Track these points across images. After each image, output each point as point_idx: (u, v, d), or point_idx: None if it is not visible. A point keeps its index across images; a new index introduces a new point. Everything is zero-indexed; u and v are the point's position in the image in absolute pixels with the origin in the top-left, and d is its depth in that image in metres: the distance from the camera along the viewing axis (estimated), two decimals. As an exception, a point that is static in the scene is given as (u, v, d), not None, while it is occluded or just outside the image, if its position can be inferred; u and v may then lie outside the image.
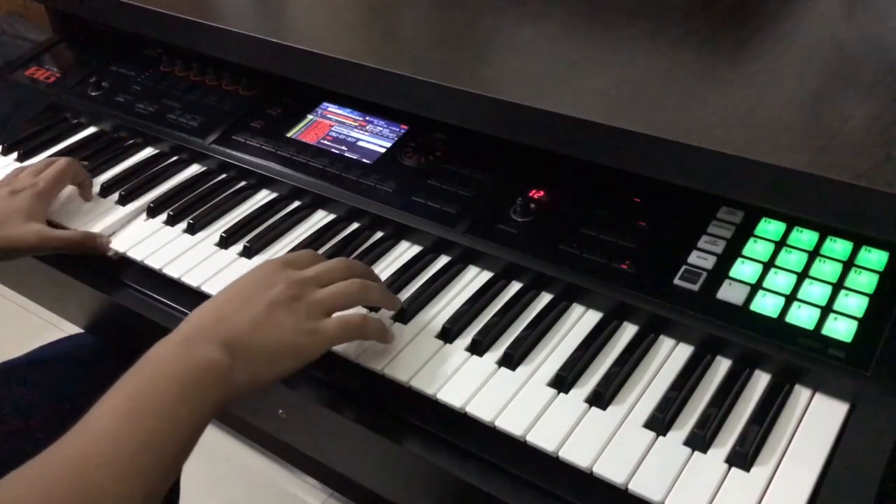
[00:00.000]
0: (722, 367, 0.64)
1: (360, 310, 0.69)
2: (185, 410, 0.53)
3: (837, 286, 0.65)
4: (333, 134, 0.91)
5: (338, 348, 0.67)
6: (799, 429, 0.59)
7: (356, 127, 0.91)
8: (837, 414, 0.59)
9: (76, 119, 1.05)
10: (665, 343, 0.67)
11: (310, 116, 0.94)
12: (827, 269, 0.67)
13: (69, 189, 0.89)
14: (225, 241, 0.81)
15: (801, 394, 0.61)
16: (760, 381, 0.63)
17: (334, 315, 0.63)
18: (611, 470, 0.57)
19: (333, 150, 0.89)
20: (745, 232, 0.71)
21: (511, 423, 0.60)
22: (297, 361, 0.60)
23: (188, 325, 0.58)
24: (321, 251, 0.79)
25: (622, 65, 0.78)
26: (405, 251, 0.79)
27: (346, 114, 0.93)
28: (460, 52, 0.83)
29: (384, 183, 0.83)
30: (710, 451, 0.58)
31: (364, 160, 0.87)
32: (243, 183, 0.91)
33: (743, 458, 0.56)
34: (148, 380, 0.54)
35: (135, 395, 0.53)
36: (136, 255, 0.81)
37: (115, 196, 0.90)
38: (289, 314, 0.60)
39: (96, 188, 0.91)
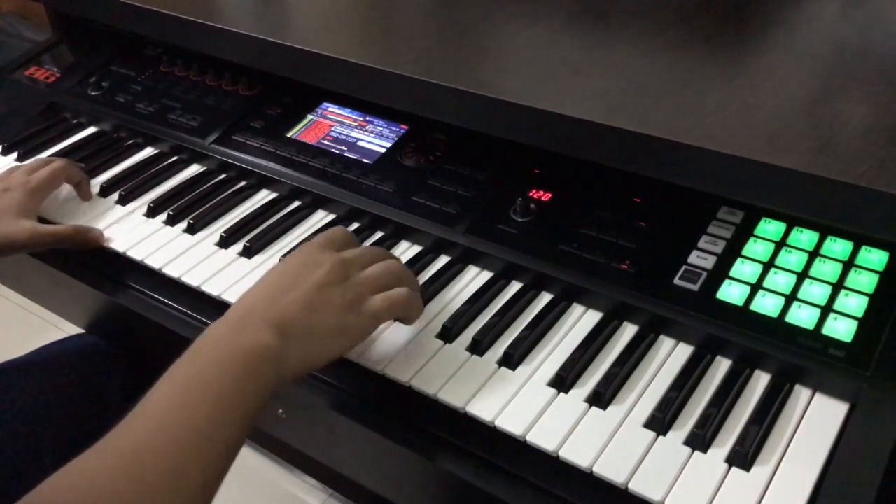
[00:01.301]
0: (722, 367, 0.64)
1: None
2: (239, 395, 0.53)
3: (837, 286, 0.65)
4: (333, 134, 0.91)
5: (338, 348, 0.68)
6: (799, 429, 0.59)
7: (356, 127, 0.91)
8: (837, 414, 0.59)
9: (76, 119, 1.05)
10: (665, 343, 0.67)
11: (310, 116, 0.94)
12: (827, 269, 0.67)
13: (68, 189, 0.89)
14: (225, 241, 0.81)
15: (801, 394, 0.61)
16: (760, 381, 0.63)
17: (378, 295, 0.63)
18: (611, 470, 0.57)
19: (333, 150, 0.89)
20: (745, 232, 0.71)
21: (511, 423, 0.60)
22: (348, 340, 0.61)
23: (238, 308, 0.58)
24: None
25: (622, 65, 0.78)
26: (405, 251, 0.79)
27: (346, 114, 0.93)
28: (460, 52, 0.83)
29: (384, 183, 0.83)
30: (710, 451, 0.58)
31: (364, 160, 0.87)
32: (243, 183, 0.91)
33: (743, 458, 0.56)
34: (201, 366, 0.53)
35: (189, 382, 0.52)
36: (136, 254, 0.81)
37: (115, 196, 0.90)
38: (337, 294, 0.60)
39: (96, 188, 0.91)
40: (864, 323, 0.62)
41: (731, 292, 0.66)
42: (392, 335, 0.69)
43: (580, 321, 0.70)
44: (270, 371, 0.55)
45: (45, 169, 0.85)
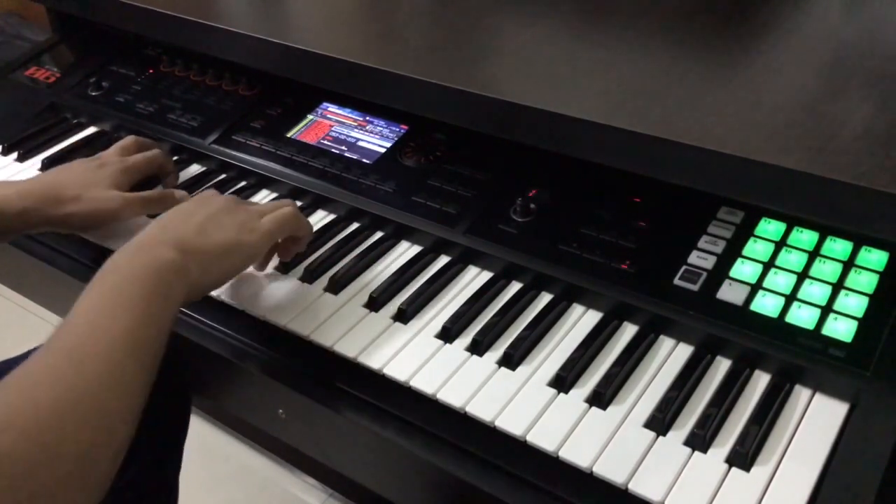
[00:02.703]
0: (722, 367, 0.64)
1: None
2: (154, 304, 0.58)
3: (837, 286, 0.65)
4: (333, 134, 0.91)
5: (337, 346, 0.68)
6: (799, 429, 0.59)
7: (356, 127, 0.91)
8: (837, 414, 0.59)
9: (76, 119, 1.05)
10: (665, 343, 0.67)
11: (310, 116, 0.94)
12: (827, 269, 0.67)
13: None
14: (225, 241, 0.81)
15: (801, 394, 0.61)
16: (760, 381, 0.63)
17: (266, 216, 0.71)
18: (611, 470, 0.57)
19: (333, 150, 0.89)
20: (745, 232, 0.71)
21: (511, 423, 0.60)
22: (243, 256, 0.69)
23: (139, 237, 0.64)
24: (321, 251, 0.79)
25: (622, 65, 0.78)
26: (405, 251, 0.79)
27: (346, 114, 0.93)
28: (460, 52, 0.83)
29: (384, 183, 0.83)
30: (710, 451, 0.58)
31: (364, 160, 0.87)
32: (243, 183, 0.91)
33: (743, 458, 0.56)
34: (115, 283, 0.59)
35: (107, 295, 0.57)
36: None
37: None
38: (228, 218, 0.68)
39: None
40: (864, 323, 0.62)
41: (731, 292, 0.66)
42: (391, 334, 0.69)
43: (580, 321, 0.70)
44: (177, 283, 0.61)
45: (144, 154, 0.88)
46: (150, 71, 1.06)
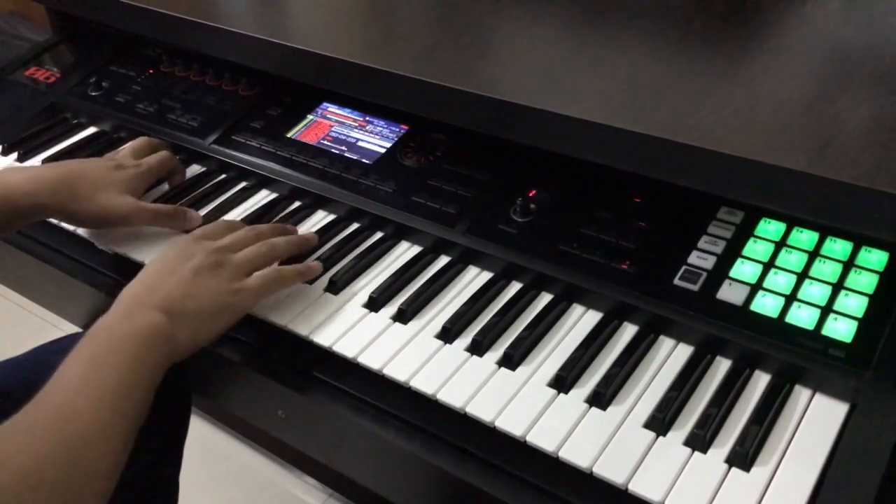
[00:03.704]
0: (722, 367, 0.64)
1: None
2: (140, 367, 0.60)
3: (837, 286, 0.65)
4: (333, 134, 0.91)
5: (337, 346, 0.68)
6: (799, 429, 0.59)
7: (356, 127, 0.91)
8: (837, 414, 0.59)
9: (76, 119, 1.05)
10: (665, 343, 0.67)
11: (310, 116, 0.94)
12: (827, 270, 0.67)
13: None
14: (225, 241, 0.81)
15: (801, 394, 0.61)
16: (760, 381, 0.63)
17: (254, 274, 0.70)
18: (611, 470, 0.57)
19: (333, 150, 0.89)
20: (745, 232, 0.71)
21: (511, 423, 0.60)
22: (230, 318, 0.68)
23: (124, 300, 0.65)
24: (321, 251, 0.79)
25: (622, 65, 0.78)
26: (405, 251, 0.79)
27: (346, 114, 0.93)
28: (460, 52, 0.83)
29: (384, 183, 0.83)
30: (710, 451, 0.58)
31: (364, 160, 0.87)
32: (243, 183, 0.91)
33: (743, 458, 0.56)
34: (102, 346, 0.60)
35: (94, 358, 0.59)
36: (135, 255, 0.81)
37: (115, 196, 0.90)
38: (212, 279, 0.67)
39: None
40: (864, 323, 0.62)
41: (731, 292, 0.66)
42: (391, 335, 0.69)
43: (580, 321, 0.70)
44: (163, 347, 0.62)
45: (158, 156, 0.88)
46: (150, 71, 1.06)
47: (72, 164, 0.83)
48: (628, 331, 0.68)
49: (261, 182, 0.89)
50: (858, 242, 0.68)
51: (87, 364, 0.58)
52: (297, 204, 0.87)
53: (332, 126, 0.92)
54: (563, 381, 0.63)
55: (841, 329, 0.62)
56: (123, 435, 0.57)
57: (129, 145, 0.91)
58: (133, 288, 0.66)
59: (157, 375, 0.61)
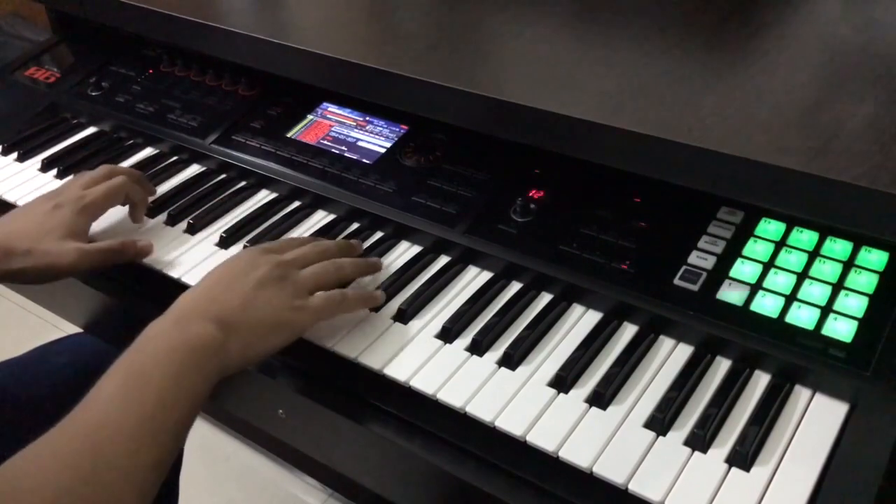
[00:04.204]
0: (722, 367, 0.64)
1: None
2: (184, 384, 0.56)
3: (837, 286, 0.65)
4: (333, 134, 0.91)
5: (337, 347, 0.68)
6: (799, 429, 0.59)
7: (356, 127, 0.91)
8: (837, 414, 0.59)
9: (76, 119, 1.05)
10: (665, 343, 0.67)
11: (310, 116, 0.94)
12: (827, 270, 0.67)
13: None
14: (225, 241, 0.81)
15: (801, 394, 0.61)
16: (760, 381, 0.63)
17: (317, 293, 0.67)
18: (611, 470, 0.57)
19: (333, 150, 0.89)
20: (745, 232, 0.71)
21: (511, 423, 0.60)
22: (287, 336, 0.64)
23: (179, 306, 0.61)
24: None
25: (622, 65, 0.78)
26: (405, 251, 0.79)
27: (346, 114, 0.93)
28: (460, 52, 0.83)
29: (384, 183, 0.83)
30: (710, 451, 0.58)
31: (364, 160, 0.87)
32: (243, 183, 0.91)
33: (743, 458, 0.56)
34: (148, 357, 0.56)
35: (136, 372, 0.55)
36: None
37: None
38: (276, 293, 0.64)
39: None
40: (864, 323, 0.62)
41: (731, 292, 0.66)
42: (391, 334, 0.69)
43: (580, 321, 0.70)
44: (212, 362, 0.58)
45: (103, 185, 0.79)
46: (150, 71, 1.06)
47: (7, 217, 0.76)
48: (628, 331, 0.68)
49: (261, 182, 0.89)
50: (858, 242, 0.68)
51: (125, 381, 0.55)
52: (296, 204, 0.87)
53: (332, 126, 0.92)
54: (563, 381, 0.63)
55: (841, 329, 0.62)
56: (158, 469, 0.53)
57: (87, 173, 0.82)
58: (190, 295, 0.63)
59: (202, 395, 0.57)
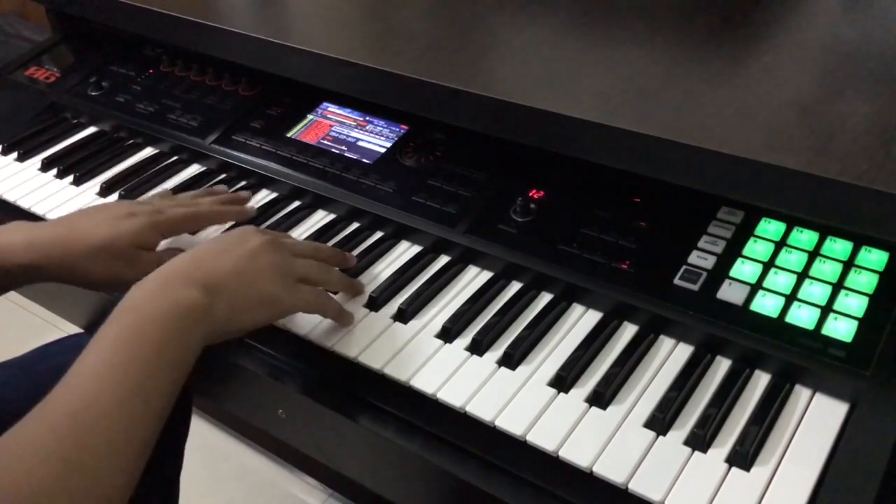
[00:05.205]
0: (722, 367, 0.64)
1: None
2: (170, 351, 0.54)
3: (837, 286, 0.65)
4: (333, 134, 0.91)
5: (337, 347, 0.68)
6: (799, 429, 0.59)
7: (356, 127, 0.91)
8: (837, 414, 0.59)
9: (76, 119, 1.05)
10: (665, 343, 0.67)
11: (310, 116, 0.94)
12: (827, 269, 0.67)
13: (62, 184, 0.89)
14: (225, 241, 0.81)
15: (801, 394, 0.61)
16: (760, 381, 0.63)
17: (306, 286, 0.66)
18: (611, 470, 0.57)
19: (333, 150, 0.89)
20: (745, 232, 0.71)
21: (511, 423, 0.60)
22: (272, 313, 0.63)
23: (166, 269, 0.59)
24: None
25: (622, 65, 0.78)
26: (405, 251, 0.79)
27: (346, 114, 0.93)
28: (460, 52, 0.83)
29: (384, 183, 0.83)
30: (710, 451, 0.58)
31: (364, 160, 0.87)
32: (243, 183, 0.91)
33: (743, 458, 0.56)
34: (131, 326, 0.54)
35: (120, 342, 0.53)
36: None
37: (115, 196, 0.90)
38: (268, 268, 0.62)
39: (96, 187, 0.91)
40: (864, 323, 0.62)
41: (731, 292, 0.66)
42: (391, 334, 0.69)
43: (580, 321, 0.70)
44: (198, 328, 0.56)
45: (182, 210, 0.75)
46: (150, 71, 1.06)
47: (73, 218, 0.72)
48: (628, 330, 0.68)
49: (261, 182, 0.90)
50: (858, 242, 0.68)
51: (109, 353, 0.53)
52: (296, 204, 0.87)
53: (332, 126, 0.92)
54: (563, 381, 0.63)
55: (841, 329, 0.62)
56: (144, 444, 0.51)
57: (189, 193, 0.81)
58: (177, 259, 0.60)
59: (187, 362, 0.55)
